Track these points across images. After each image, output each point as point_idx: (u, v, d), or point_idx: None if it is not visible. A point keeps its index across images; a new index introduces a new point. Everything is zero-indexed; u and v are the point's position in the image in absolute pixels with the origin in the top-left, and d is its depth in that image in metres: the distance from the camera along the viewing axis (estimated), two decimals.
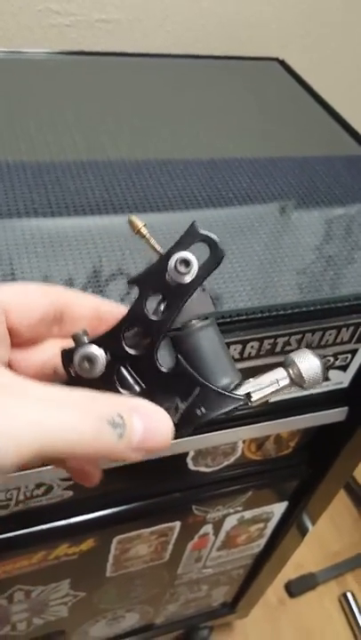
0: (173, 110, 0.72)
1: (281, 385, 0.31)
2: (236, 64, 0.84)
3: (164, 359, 0.30)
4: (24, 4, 0.73)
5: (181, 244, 0.29)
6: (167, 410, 0.28)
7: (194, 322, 0.30)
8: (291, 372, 0.31)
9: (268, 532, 0.88)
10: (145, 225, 0.30)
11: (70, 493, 0.63)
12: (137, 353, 0.29)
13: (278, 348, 0.49)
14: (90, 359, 0.29)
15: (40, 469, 0.53)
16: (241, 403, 0.29)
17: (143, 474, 0.66)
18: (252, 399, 0.30)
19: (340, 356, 0.61)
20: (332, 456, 0.73)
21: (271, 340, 0.48)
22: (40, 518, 0.65)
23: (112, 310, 0.32)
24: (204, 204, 0.57)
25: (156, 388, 0.29)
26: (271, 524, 0.87)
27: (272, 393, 0.31)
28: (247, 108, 0.76)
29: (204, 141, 0.68)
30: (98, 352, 0.29)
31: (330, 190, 0.63)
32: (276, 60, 0.85)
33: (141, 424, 0.27)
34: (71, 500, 0.64)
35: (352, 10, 0.94)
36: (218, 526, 0.80)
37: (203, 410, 0.29)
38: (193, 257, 0.29)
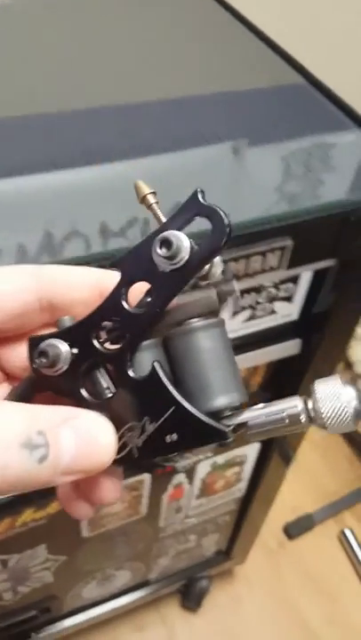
0: (88, 52, 0.68)
1: (288, 420, 0.24)
2: None
3: (141, 364, 0.23)
4: None
5: (177, 218, 0.23)
6: (131, 429, 0.23)
7: (192, 320, 0.24)
8: (308, 403, 0.25)
9: (246, 475, 0.87)
10: (154, 192, 0.25)
11: None
12: (110, 352, 0.24)
13: None
14: (44, 354, 0.24)
15: None
16: (227, 438, 0.23)
17: None
18: (248, 432, 0.24)
19: (282, 287, 0.59)
20: (292, 393, 0.71)
21: None
22: None
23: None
24: (125, 155, 0.54)
25: (124, 399, 0.23)
26: (248, 467, 0.86)
27: (276, 429, 0.24)
28: (172, 43, 0.72)
29: (121, 84, 0.64)
30: (55, 347, 0.24)
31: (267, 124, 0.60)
32: None
33: (74, 441, 0.22)
34: None
35: None
36: (191, 474, 0.80)
37: (174, 437, 0.22)
38: (181, 237, 0.23)
